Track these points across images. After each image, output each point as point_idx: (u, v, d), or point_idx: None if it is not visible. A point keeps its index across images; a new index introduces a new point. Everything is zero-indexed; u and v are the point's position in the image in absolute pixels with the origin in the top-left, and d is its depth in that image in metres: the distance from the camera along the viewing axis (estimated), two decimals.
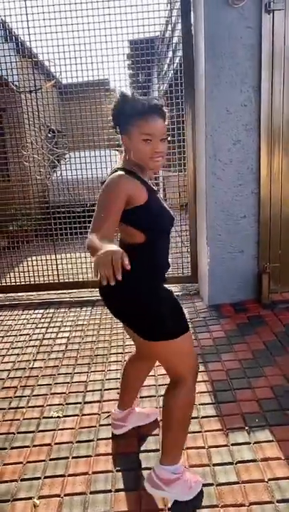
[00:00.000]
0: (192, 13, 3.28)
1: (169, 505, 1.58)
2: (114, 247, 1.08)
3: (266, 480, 1.65)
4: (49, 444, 1.97)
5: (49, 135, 3.83)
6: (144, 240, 1.46)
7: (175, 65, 3.87)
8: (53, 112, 3.73)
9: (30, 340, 3.10)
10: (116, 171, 1.45)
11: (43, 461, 1.86)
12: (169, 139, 1.47)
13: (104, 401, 2.27)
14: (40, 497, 1.67)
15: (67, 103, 3.89)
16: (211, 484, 1.65)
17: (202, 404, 2.15)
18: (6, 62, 3.60)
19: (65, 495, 1.67)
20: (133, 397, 1.97)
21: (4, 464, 1.86)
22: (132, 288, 1.39)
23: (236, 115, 3.04)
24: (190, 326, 1.85)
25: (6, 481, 1.76)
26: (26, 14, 3.48)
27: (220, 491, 1.62)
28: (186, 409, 1.56)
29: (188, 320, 1.73)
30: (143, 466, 1.77)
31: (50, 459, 1.87)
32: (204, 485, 1.64)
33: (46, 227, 3.99)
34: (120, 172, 1.42)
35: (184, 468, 1.64)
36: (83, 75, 3.63)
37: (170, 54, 4.28)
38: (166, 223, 1.52)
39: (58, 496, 1.67)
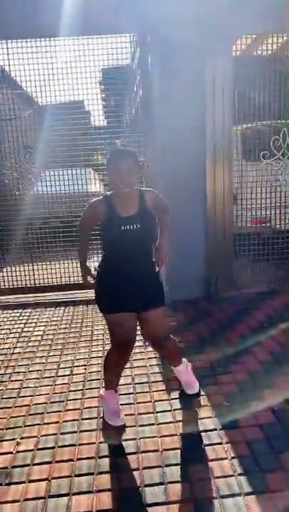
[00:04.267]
0: (149, 55, 3.92)
1: None
2: (83, 272, 2.30)
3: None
4: (28, 405, 2.46)
5: (26, 156, 4.35)
6: (102, 247, 2.22)
7: (140, 93, 4.48)
8: (30, 132, 4.26)
9: (10, 333, 3.57)
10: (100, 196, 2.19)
11: (23, 416, 2.35)
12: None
13: (74, 374, 2.78)
14: (22, 438, 2.16)
15: (44, 124, 4.43)
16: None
17: (152, 373, 2.69)
18: None
19: (41, 436, 2.17)
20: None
21: None
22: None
23: (187, 141, 3.66)
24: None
25: None
26: (7, 48, 4.01)
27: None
28: (106, 362, 2.29)
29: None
30: (101, 416, 2.29)
31: (29, 415, 2.36)
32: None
33: (24, 237, 4.48)
34: (96, 199, 2.15)
35: (110, 395, 2.29)
36: (60, 97, 4.15)
37: (136, 82, 4.91)
38: (111, 238, 2.10)
39: (36, 437, 2.17)
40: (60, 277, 4.45)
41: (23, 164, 4.30)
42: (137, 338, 2.20)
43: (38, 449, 2.08)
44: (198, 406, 2.32)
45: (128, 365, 2.75)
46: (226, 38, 3.52)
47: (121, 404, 2.32)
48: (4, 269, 4.51)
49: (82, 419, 2.30)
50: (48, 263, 4.48)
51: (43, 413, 2.38)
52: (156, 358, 2.88)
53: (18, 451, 2.08)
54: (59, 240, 4.44)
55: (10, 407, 2.45)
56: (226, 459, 1.92)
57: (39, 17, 3.41)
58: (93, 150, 4.69)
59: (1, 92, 4.11)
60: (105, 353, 2.35)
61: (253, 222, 4.00)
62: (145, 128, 4.08)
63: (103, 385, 2.41)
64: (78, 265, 2.30)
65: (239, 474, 1.82)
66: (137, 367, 2.79)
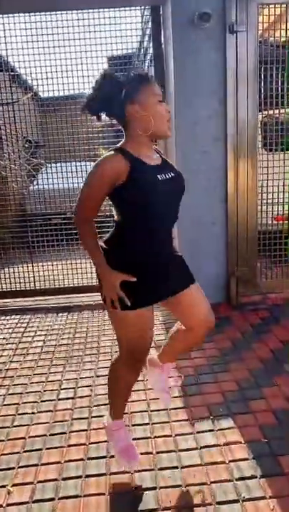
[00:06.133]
0: (162, 33, 3.49)
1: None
2: (114, 279, 1.49)
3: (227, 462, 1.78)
4: (23, 438, 2.05)
5: (26, 145, 3.95)
6: (120, 219, 1.55)
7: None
8: (30, 123, 3.86)
9: (6, 343, 3.16)
10: (112, 149, 1.53)
11: (17, 453, 1.94)
12: None
13: (78, 397, 2.36)
14: (14, 485, 1.75)
15: (46, 115, 4.03)
16: (176, 467, 1.77)
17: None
18: None
19: (38, 482, 1.75)
20: (168, 355, 1.93)
21: None
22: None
23: (203, 127, 3.23)
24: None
25: None
26: (4, 30, 3.62)
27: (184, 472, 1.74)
28: (115, 385, 1.79)
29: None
30: (111, 454, 1.87)
31: (24, 451, 1.95)
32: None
33: (23, 236, 4.07)
34: (107, 154, 1.49)
35: (120, 431, 1.81)
36: (63, 89, 3.77)
37: (146, 66, 4.49)
38: (148, 205, 1.47)
39: (32, 483, 1.75)
40: (63, 279, 4.04)
41: (23, 155, 3.89)
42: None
43: (34, 501, 1.66)
44: (229, 443, 1.90)
45: (141, 385, 2.34)
46: (251, 9, 3.07)
47: (134, 439, 1.91)
48: (1, 271, 4.10)
49: (89, 458, 1.88)
50: (50, 263, 4.07)
51: (41, 449, 1.96)
52: (172, 376, 2.46)
53: (8, 504, 1.66)
54: (62, 238, 4.04)
55: (2, 441, 2.04)
56: None
57: None
58: (99, 144, 4.30)
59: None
60: (111, 371, 1.80)
61: (275, 218, 3.56)
62: None
63: (108, 413, 1.91)
64: (95, 269, 1.59)
65: None
66: (152, 388, 2.36)
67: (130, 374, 1.71)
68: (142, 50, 4.45)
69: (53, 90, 3.76)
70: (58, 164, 3.98)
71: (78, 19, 3.54)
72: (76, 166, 3.88)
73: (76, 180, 3.88)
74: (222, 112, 3.21)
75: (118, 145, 1.56)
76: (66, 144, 3.88)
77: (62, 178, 3.90)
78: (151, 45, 3.70)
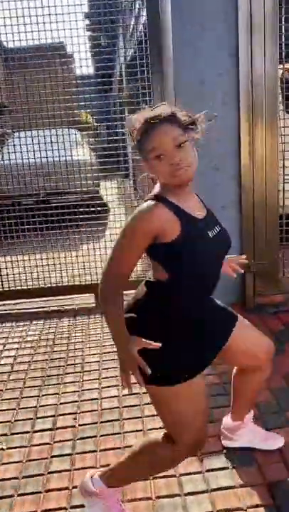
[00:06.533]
0: None
1: None
2: (135, 356, 1.44)
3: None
4: None
5: None
6: (166, 278, 1.50)
7: (142, 26, 3.97)
8: None
9: None
10: (147, 200, 1.48)
11: None
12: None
13: (58, 428, 2.33)
14: None
15: (11, 71, 3.95)
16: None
17: None
18: None
19: None
20: (244, 407, 1.99)
21: None
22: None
23: (211, 86, 3.16)
24: None
25: None
26: None
27: None
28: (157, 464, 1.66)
29: None
30: None
31: None
32: None
33: None
34: (148, 204, 1.45)
35: (115, 503, 1.73)
36: (33, 38, 3.68)
37: (136, 12, 4.39)
38: (197, 266, 1.48)
39: None
40: (37, 278, 4.00)
41: None
42: None
43: None
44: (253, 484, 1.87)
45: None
46: None
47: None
48: None
49: (72, 507, 1.85)
50: (19, 258, 4.01)
51: (12, 496, 1.93)
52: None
53: None
54: (34, 225, 3.97)
55: None
56: None
57: None
58: (78, 107, 4.22)
59: None
60: (156, 447, 1.62)
61: None
62: (151, 75, 3.56)
63: (101, 475, 1.74)
64: (114, 340, 1.53)
65: None
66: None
67: (185, 457, 1.65)
68: None
69: (22, 40, 3.67)
70: (29, 133, 3.90)
71: None
72: (52, 134, 3.81)
73: (51, 154, 3.80)
74: (233, 66, 3.15)
75: (155, 192, 1.52)
76: (38, 107, 3.80)
77: (34, 150, 3.82)
78: None
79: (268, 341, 1.85)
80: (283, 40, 3.18)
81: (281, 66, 3.29)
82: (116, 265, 1.46)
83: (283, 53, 3.21)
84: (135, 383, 1.48)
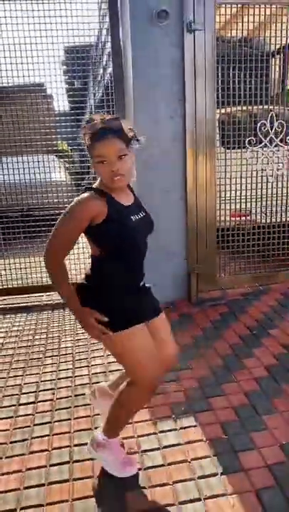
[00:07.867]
0: (120, 27, 3.44)
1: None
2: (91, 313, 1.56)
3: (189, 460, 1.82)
4: None
5: None
6: (99, 254, 1.60)
7: (108, 74, 4.01)
8: None
9: None
10: (86, 189, 1.56)
11: None
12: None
13: (39, 401, 2.33)
14: None
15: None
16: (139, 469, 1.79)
17: None
18: None
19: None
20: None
21: None
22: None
23: (164, 126, 3.24)
24: None
25: None
26: None
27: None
28: (131, 405, 1.70)
29: None
30: (75, 459, 1.87)
31: None
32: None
33: None
34: (84, 195, 1.53)
35: (119, 446, 1.79)
36: (18, 76, 3.62)
37: (104, 62, 4.42)
38: (123, 243, 1.56)
39: None
40: (21, 277, 3.94)
41: None
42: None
43: None
44: (190, 441, 1.94)
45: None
46: (208, 8, 3.09)
47: None
48: None
49: (51, 465, 1.87)
50: (7, 262, 3.95)
51: (1, 458, 1.93)
52: None
53: None
54: (18, 234, 3.93)
55: None
56: None
57: None
58: (56, 137, 4.21)
59: None
60: (124, 394, 1.67)
61: (232, 215, 3.63)
62: (115, 112, 3.61)
63: (102, 429, 1.80)
64: (64, 299, 1.61)
65: None
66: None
67: (147, 396, 1.69)
68: (100, 44, 4.37)
69: (8, 78, 3.62)
70: (15, 158, 3.85)
71: (33, 10, 3.42)
72: (34, 160, 3.79)
73: (33, 176, 3.79)
74: (182, 109, 3.22)
75: (95, 184, 1.60)
76: (22, 138, 3.77)
77: (20, 173, 3.78)
78: (109, 38, 3.64)
79: (175, 353, 1.81)
80: (220, 85, 3.29)
81: (218, 110, 3.40)
82: (58, 242, 1.54)
83: (220, 100, 3.31)
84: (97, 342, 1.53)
